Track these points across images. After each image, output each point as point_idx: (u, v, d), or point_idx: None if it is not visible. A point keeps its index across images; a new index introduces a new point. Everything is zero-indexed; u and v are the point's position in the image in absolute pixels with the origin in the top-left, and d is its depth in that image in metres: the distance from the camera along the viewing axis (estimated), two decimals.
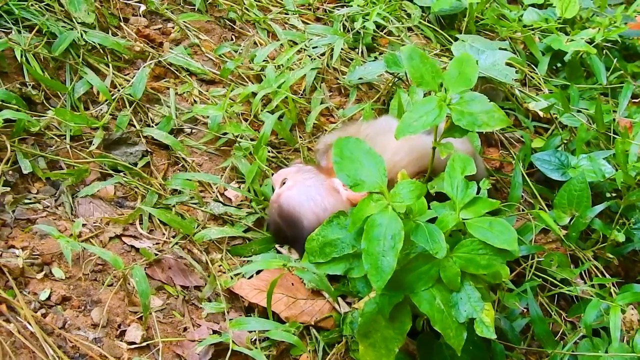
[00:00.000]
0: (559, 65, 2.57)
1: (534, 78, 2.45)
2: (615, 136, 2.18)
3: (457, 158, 1.44)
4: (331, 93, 2.22)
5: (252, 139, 1.97)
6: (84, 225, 1.65)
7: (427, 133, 1.70)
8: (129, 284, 1.56)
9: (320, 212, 1.66)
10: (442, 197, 1.51)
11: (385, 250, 1.27)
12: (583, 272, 1.89)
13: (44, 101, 1.85)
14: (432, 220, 1.39)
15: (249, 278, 1.67)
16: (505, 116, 1.46)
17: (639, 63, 2.65)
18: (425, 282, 1.37)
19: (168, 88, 2.05)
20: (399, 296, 1.38)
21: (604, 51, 2.61)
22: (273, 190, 1.81)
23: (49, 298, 1.49)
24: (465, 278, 1.38)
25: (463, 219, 1.39)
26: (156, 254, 1.64)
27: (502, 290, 1.65)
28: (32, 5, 1.96)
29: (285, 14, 2.40)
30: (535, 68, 2.50)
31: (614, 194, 2.05)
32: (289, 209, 1.70)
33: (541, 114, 2.30)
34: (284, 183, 1.75)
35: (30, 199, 1.68)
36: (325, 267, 1.41)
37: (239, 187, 1.88)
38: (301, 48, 2.24)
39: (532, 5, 2.70)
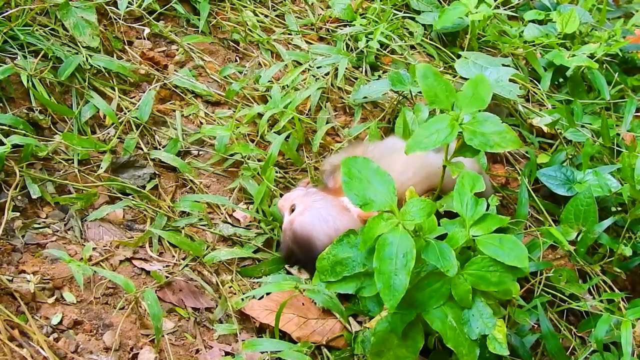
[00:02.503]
0: (561, 80, 2.59)
1: (536, 94, 2.47)
2: (620, 149, 2.21)
3: (467, 175, 1.46)
4: (336, 112, 2.24)
5: (259, 160, 1.99)
6: (93, 249, 1.67)
7: (435, 152, 1.73)
8: (141, 307, 1.57)
9: (333, 233, 1.66)
10: (449, 216, 1.53)
11: (398, 269, 1.28)
12: (591, 287, 1.90)
13: (51, 126, 1.86)
14: (442, 238, 1.40)
15: (259, 299, 1.68)
16: (518, 138, 1.48)
17: (639, 76, 2.67)
18: (437, 299, 1.38)
19: (174, 110, 2.07)
20: (411, 314, 1.39)
21: (604, 65, 2.64)
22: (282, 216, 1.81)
23: (60, 322, 1.50)
24: (477, 295, 1.39)
25: (473, 236, 1.40)
26: (167, 277, 1.65)
27: (512, 306, 1.66)
28: (37, 30, 1.98)
29: (289, 34, 2.42)
30: (537, 84, 2.52)
31: (619, 209, 2.06)
32: (302, 234, 1.71)
33: (545, 129, 2.32)
34: (292, 209, 1.76)
35: (39, 224, 1.69)
36: (336, 286, 1.42)
37: (248, 208, 1.90)
38: (305, 68, 2.26)
39: (533, 21, 2.72)
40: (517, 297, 1.67)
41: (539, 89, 2.49)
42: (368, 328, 1.58)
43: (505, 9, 2.68)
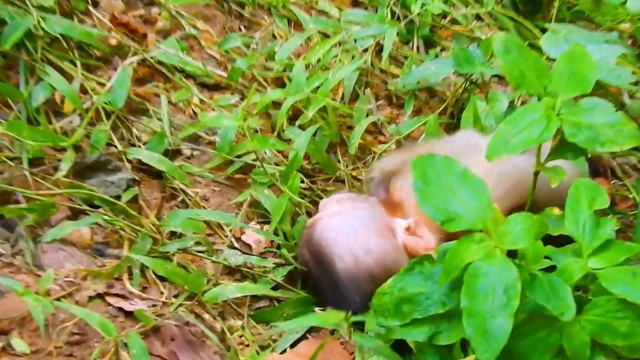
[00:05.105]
0: None
1: None
2: None
3: (583, 185, 1.45)
4: (379, 102, 2.24)
5: (276, 164, 1.99)
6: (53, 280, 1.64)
7: (520, 153, 1.71)
8: None
9: (361, 254, 1.67)
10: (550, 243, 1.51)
11: (496, 309, 1.26)
12: None
13: None
14: (549, 270, 1.38)
15: (281, 353, 1.66)
16: (638, 131, 1.46)
17: None
18: (542, 353, 1.36)
19: (158, 95, 2.06)
20: None
21: None
22: None
23: None
24: (595, 351, 1.37)
25: (593, 269, 1.38)
26: (155, 320, 1.62)
27: None
28: None
29: None
30: None
31: None
32: (320, 241, 1.72)
33: None
34: None
35: None
36: (402, 332, 1.41)
37: (262, 229, 1.89)
38: (336, 42, 2.26)
39: None
40: None
41: None
42: None
43: None
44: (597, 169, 2.23)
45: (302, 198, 1.96)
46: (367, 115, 2.16)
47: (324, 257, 1.71)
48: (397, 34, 2.34)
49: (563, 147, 1.51)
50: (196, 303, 1.71)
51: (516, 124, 1.46)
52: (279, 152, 2.05)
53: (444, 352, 1.47)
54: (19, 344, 1.52)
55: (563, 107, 1.48)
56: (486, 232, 1.35)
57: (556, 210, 1.64)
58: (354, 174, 2.07)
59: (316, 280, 1.76)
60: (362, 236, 1.71)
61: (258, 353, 1.65)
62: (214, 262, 1.80)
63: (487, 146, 1.44)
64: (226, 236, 1.88)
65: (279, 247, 1.87)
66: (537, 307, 1.35)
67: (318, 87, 2.09)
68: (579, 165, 1.95)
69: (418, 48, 2.38)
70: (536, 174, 1.58)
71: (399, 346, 1.55)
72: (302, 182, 1.98)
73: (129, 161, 1.91)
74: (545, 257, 1.42)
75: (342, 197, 1.84)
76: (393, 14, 2.40)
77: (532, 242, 1.32)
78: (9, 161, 1.79)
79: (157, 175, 1.93)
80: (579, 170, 1.93)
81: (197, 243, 1.82)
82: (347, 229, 1.72)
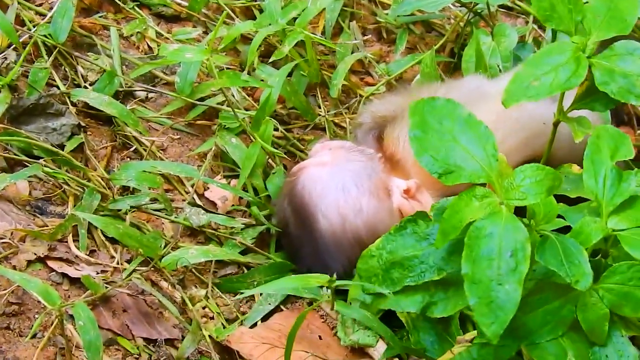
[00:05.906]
0: None
1: None
2: None
3: (604, 133, 1.44)
4: (366, 37, 2.24)
5: (246, 109, 1.98)
6: None
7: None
8: (65, 334, 1.53)
9: (350, 214, 1.68)
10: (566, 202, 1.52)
11: (502, 274, 1.26)
12: None
13: None
14: (562, 232, 1.38)
15: (251, 326, 1.66)
16: None
17: None
18: (553, 327, 1.37)
19: (107, 27, 2.06)
20: (510, 349, 1.38)
21: None
22: None
23: None
24: (615, 324, 1.38)
25: (613, 230, 1.38)
26: (105, 288, 1.62)
27: None
28: None
29: None
30: None
31: None
32: (303, 194, 1.72)
33: None
34: None
35: None
36: (391, 302, 1.42)
37: (229, 184, 1.89)
38: None
39: None
40: None
41: None
42: None
43: None
44: (622, 117, 2.23)
45: (276, 148, 1.96)
46: (352, 52, 2.16)
47: (307, 213, 1.71)
48: None
49: (591, 96, 1.53)
50: (152, 269, 1.71)
51: (539, 66, 1.46)
52: (249, 95, 2.05)
53: (440, 329, 1.49)
54: None
55: (595, 49, 1.48)
56: (491, 187, 1.35)
57: (575, 168, 1.65)
58: (336, 120, 2.08)
59: (295, 241, 1.77)
60: (352, 194, 1.71)
61: (224, 326, 1.66)
62: (173, 222, 1.81)
63: (504, 90, 1.45)
64: (187, 192, 1.88)
65: (248, 205, 1.87)
66: (548, 274, 1.37)
67: (295, 19, 2.08)
68: (602, 115, 1.96)
69: None
70: (556, 124, 1.59)
71: (388, 320, 1.56)
72: (276, 129, 1.99)
73: (74, 104, 1.90)
74: (559, 217, 1.43)
75: (335, 145, 1.84)
76: None
77: (543, 197, 1.32)
78: None
79: (107, 120, 1.93)
80: (601, 120, 1.93)
81: (154, 200, 1.82)
82: (337, 183, 1.72)
